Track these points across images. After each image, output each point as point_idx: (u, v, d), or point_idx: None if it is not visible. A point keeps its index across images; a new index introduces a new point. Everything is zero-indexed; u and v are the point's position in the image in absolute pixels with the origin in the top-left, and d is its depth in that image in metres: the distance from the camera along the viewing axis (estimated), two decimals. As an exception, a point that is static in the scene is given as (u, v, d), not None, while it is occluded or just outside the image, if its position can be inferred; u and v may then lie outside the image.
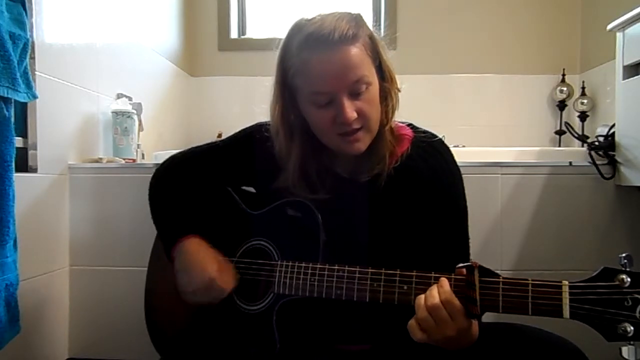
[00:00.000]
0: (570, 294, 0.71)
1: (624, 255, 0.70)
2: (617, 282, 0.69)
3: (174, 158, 1.14)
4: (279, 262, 0.96)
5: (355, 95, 0.90)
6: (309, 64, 0.90)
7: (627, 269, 0.70)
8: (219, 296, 0.97)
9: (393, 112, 0.99)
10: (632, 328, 0.67)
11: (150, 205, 1.10)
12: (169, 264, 1.05)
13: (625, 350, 0.70)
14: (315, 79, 0.90)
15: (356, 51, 0.90)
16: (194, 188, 1.10)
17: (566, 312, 0.71)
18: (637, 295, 0.68)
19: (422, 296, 0.80)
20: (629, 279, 0.68)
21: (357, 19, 0.93)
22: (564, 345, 0.86)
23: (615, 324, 0.68)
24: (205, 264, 0.97)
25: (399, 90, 0.99)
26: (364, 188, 0.97)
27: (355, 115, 0.90)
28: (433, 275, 0.82)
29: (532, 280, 0.74)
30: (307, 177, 0.99)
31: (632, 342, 0.68)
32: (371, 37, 0.94)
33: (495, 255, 1.52)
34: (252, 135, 1.08)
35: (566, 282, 0.72)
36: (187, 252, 1.00)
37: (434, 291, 0.79)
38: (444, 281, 0.79)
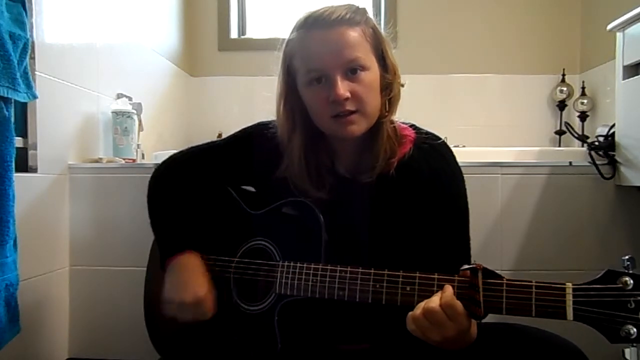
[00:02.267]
0: (574, 296, 0.71)
1: (627, 257, 0.70)
2: (620, 285, 0.69)
3: (174, 158, 1.14)
4: (280, 263, 0.96)
5: (350, 76, 0.92)
6: (306, 42, 0.94)
7: (630, 271, 0.70)
8: (202, 317, 0.97)
9: (395, 105, 0.99)
10: (635, 330, 0.67)
11: (149, 208, 1.10)
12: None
13: (627, 352, 0.70)
14: (310, 57, 0.93)
15: (353, 34, 0.92)
16: (194, 189, 1.09)
17: (570, 314, 0.71)
18: (640, 298, 0.68)
19: (426, 300, 0.80)
20: (632, 281, 0.69)
21: (361, 10, 0.96)
22: (565, 345, 0.86)
23: (618, 326, 0.68)
24: (200, 283, 0.98)
25: (402, 85, 1.00)
26: (365, 188, 0.97)
27: (347, 94, 0.90)
28: (436, 276, 0.82)
29: (536, 282, 0.74)
30: (309, 171, 0.99)
31: (634, 344, 0.68)
32: (374, 30, 0.96)
33: (495, 255, 1.52)
34: (253, 135, 1.08)
35: (570, 284, 0.72)
36: (183, 266, 1.00)
37: (435, 297, 0.79)
38: (448, 287, 0.79)
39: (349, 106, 0.91)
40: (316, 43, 0.93)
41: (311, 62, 0.93)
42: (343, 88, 0.90)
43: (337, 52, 0.91)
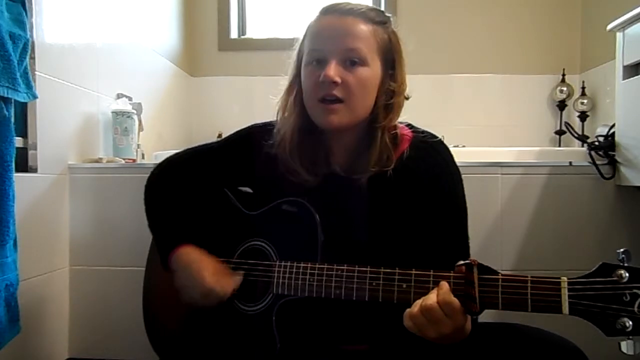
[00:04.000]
0: (569, 289, 0.72)
1: (621, 250, 0.71)
2: (615, 278, 0.69)
3: (169, 160, 1.14)
4: (277, 263, 0.96)
5: (346, 65, 0.93)
6: (317, 24, 0.98)
7: (625, 264, 0.70)
8: (220, 301, 0.97)
9: (393, 114, 0.98)
10: (630, 323, 0.67)
11: (146, 210, 1.10)
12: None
13: (624, 345, 0.70)
14: (315, 37, 0.97)
15: (362, 27, 0.94)
16: (190, 190, 1.10)
17: (565, 307, 0.71)
18: (635, 290, 0.68)
19: (423, 297, 0.80)
20: (627, 274, 0.69)
21: (383, 14, 0.99)
22: (564, 345, 0.85)
23: (614, 319, 0.69)
24: (201, 274, 0.97)
25: (406, 98, 1.00)
26: (362, 188, 0.97)
27: (337, 78, 0.92)
28: (432, 273, 0.82)
29: (531, 277, 0.74)
30: (300, 149, 0.99)
31: (630, 337, 0.68)
32: (390, 37, 0.98)
33: (495, 255, 1.52)
34: (248, 136, 1.09)
35: (565, 278, 0.72)
36: (182, 264, 1.00)
37: (432, 294, 0.79)
38: (444, 284, 0.79)
39: (336, 92, 0.92)
40: (324, 26, 0.97)
41: (315, 42, 0.96)
42: (334, 71, 0.92)
43: (339, 37, 0.93)
